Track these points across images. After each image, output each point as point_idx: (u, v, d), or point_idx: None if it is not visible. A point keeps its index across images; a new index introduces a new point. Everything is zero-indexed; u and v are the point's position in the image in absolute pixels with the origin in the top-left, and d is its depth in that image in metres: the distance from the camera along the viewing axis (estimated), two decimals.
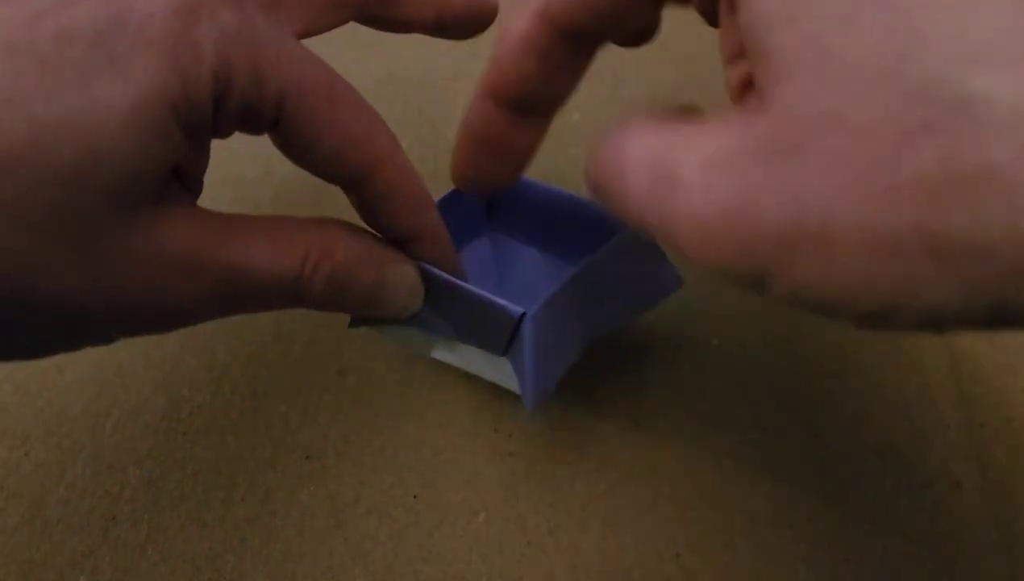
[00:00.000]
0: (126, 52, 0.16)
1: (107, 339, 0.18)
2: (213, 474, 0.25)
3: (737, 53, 0.18)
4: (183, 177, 0.18)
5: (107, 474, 0.25)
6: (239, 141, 0.21)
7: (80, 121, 0.16)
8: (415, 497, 0.25)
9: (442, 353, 0.25)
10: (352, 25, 0.23)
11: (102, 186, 0.16)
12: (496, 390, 0.27)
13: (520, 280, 0.27)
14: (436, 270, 0.22)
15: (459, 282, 0.22)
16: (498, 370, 0.24)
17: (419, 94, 0.34)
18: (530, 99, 0.19)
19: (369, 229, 0.21)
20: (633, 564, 0.24)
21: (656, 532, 0.24)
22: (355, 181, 0.20)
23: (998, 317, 0.12)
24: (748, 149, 0.13)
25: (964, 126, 0.11)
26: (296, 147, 0.19)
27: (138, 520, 0.25)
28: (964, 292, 0.12)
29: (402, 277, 0.21)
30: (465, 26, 0.24)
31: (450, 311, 0.23)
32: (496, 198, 0.25)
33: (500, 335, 0.22)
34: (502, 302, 0.21)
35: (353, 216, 0.21)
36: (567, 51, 0.18)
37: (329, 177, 0.20)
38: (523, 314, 0.21)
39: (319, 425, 0.26)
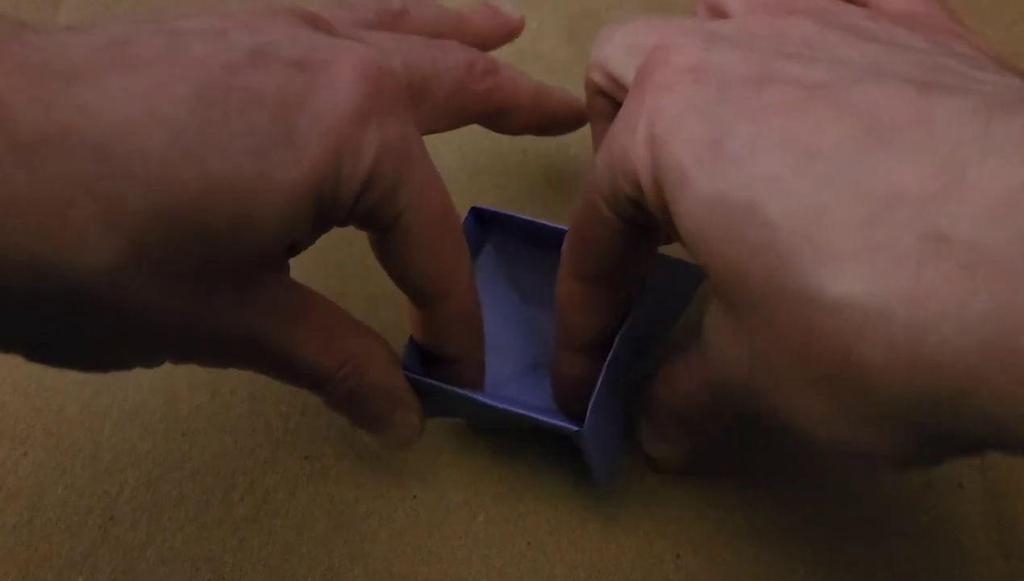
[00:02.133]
0: (304, 133, 0.17)
1: (159, 364, 0.19)
2: (212, 474, 0.25)
3: None
4: (291, 249, 0.19)
5: (106, 474, 0.25)
6: None
7: (248, 188, 0.16)
8: (415, 498, 0.25)
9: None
10: None
11: (246, 251, 0.17)
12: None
13: (532, 285, 0.27)
14: (486, 398, 0.22)
15: (515, 409, 0.22)
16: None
17: None
18: (596, 340, 0.22)
19: (397, 357, 0.22)
20: (633, 564, 0.24)
21: (656, 533, 0.24)
22: (429, 300, 0.21)
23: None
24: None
25: (836, 323, 0.13)
26: (394, 256, 0.20)
27: (137, 520, 0.25)
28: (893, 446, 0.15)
29: (406, 425, 0.22)
30: (562, 131, 0.27)
31: (496, 420, 0.24)
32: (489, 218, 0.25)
33: (557, 435, 0.23)
34: (558, 423, 0.22)
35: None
36: (604, 294, 0.22)
37: (407, 288, 0.21)
38: (578, 430, 0.22)
39: (319, 426, 0.26)
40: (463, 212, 0.24)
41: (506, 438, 0.26)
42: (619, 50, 0.21)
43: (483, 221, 0.25)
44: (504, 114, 0.25)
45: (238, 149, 0.16)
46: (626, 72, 0.21)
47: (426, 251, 0.20)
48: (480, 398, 0.22)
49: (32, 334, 0.16)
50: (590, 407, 0.22)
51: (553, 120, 0.26)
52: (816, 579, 0.24)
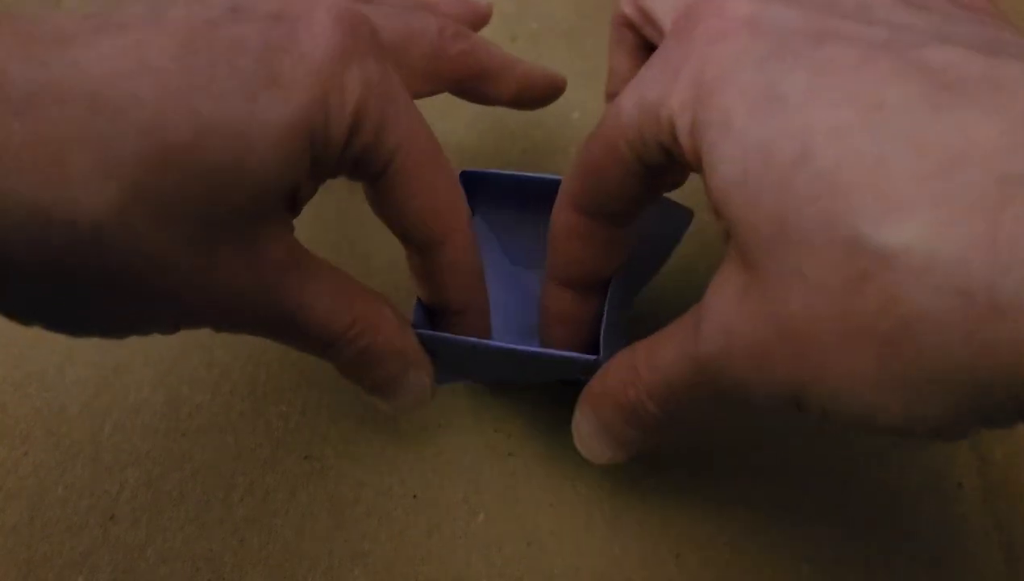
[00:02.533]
0: (289, 73, 0.17)
1: (174, 329, 0.19)
2: (213, 474, 0.25)
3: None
4: (292, 202, 0.19)
5: (106, 474, 0.25)
6: None
7: (240, 130, 0.16)
8: (415, 497, 0.25)
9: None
10: None
11: (244, 194, 0.17)
12: (496, 390, 0.27)
13: (522, 248, 0.27)
14: (499, 343, 0.22)
15: (529, 348, 0.22)
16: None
17: None
18: (587, 278, 0.22)
19: (406, 318, 0.22)
20: (634, 564, 0.24)
21: (657, 532, 0.24)
22: (428, 246, 0.21)
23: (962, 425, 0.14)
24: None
25: (892, 275, 0.13)
26: (388, 202, 0.20)
27: (137, 520, 0.25)
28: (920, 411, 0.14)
29: (419, 386, 0.22)
30: (539, 101, 0.27)
31: (508, 369, 0.24)
32: (475, 183, 0.25)
33: (571, 372, 0.23)
34: (576, 355, 0.22)
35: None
36: (603, 229, 0.21)
37: (406, 236, 0.21)
38: (596, 358, 0.21)
39: (319, 425, 0.26)
40: None
41: (505, 436, 0.26)
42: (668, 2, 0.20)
43: (471, 186, 0.25)
44: (479, 80, 0.25)
45: (226, 91, 0.16)
46: (663, 10, 0.20)
47: (420, 193, 0.20)
48: (493, 344, 0.22)
49: (46, 293, 0.16)
50: (602, 335, 0.22)
51: (529, 89, 0.26)
52: (816, 579, 0.24)
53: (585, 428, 0.22)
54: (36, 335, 0.28)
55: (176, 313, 0.18)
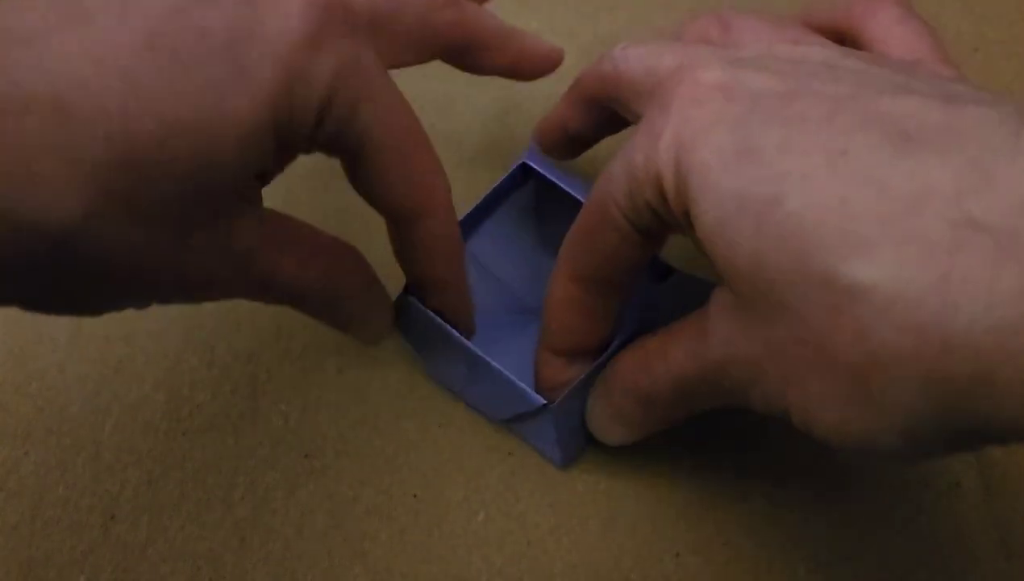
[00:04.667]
0: (255, 64, 0.17)
1: (146, 305, 0.19)
2: (213, 473, 0.25)
3: None
4: (260, 179, 0.20)
5: (107, 473, 0.25)
6: None
7: (206, 127, 0.16)
8: (415, 496, 0.25)
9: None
10: None
11: (209, 189, 0.17)
12: None
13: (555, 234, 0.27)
14: (469, 344, 0.23)
15: (483, 356, 0.23)
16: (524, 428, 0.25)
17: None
18: (580, 347, 0.23)
19: (368, 264, 0.23)
20: (633, 564, 0.24)
21: (656, 531, 0.24)
22: (406, 220, 0.21)
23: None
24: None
25: (860, 310, 0.14)
26: (366, 178, 0.21)
27: (138, 519, 0.25)
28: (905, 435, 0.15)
29: (380, 325, 0.23)
30: (536, 74, 0.26)
31: (461, 369, 0.25)
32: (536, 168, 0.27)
33: (508, 409, 0.24)
34: (523, 387, 0.23)
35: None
36: (598, 301, 0.22)
37: (385, 210, 0.22)
38: (545, 405, 0.23)
39: (319, 424, 0.26)
40: (461, 208, 0.24)
41: (505, 436, 0.26)
42: (637, 67, 0.21)
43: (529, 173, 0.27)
44: (470, 51, 0.25)
45: (191, 90, 0.16)
46: (639, 90, 0.21)
47: (398, 170, 0.20)
48: (460, 340, 0.23)
49: (24, 287, 0.17)
50: (569, 388, 0.23)
51: (523, 61, 0.26)
52: (816, 579, 0.24)
53: (599, 411, 0.23)
54: (37, 335, 0.28)
55: (149, 294, 0.19)
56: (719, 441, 0.26)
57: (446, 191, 0.22)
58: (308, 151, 0.20)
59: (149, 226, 0.17)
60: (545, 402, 0.22)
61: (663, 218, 0.19)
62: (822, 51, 0.19)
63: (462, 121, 0.33)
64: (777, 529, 0.24)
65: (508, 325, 0.27)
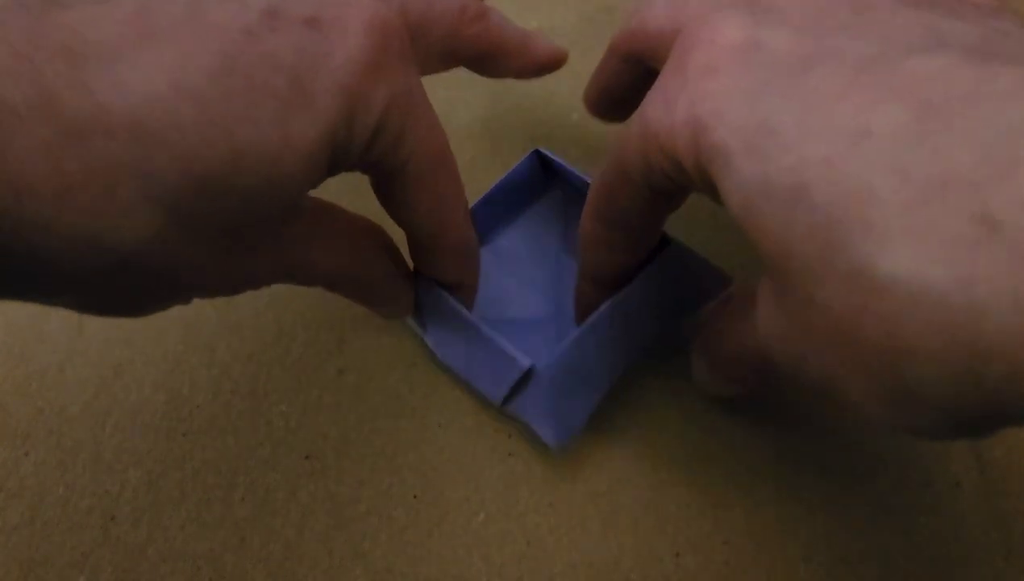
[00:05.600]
0: (320, 91, 0.17)
1: (188, 301, 0.20)
2: (213, 474, 0.25)
3: None
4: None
5: (107, 474, 0.25)
6: None
7: (273, 152, 0.17)
8: (415, 497, 0.25)
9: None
10: None
11: (273, 206, 0.18)
12: None
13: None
14: (465, 311, 0.24)
15: (476, 322, 0.24)
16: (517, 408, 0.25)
17: None
18: (609, 277, 0.24)
19: (395, 245, 0.24)
20: (633, 564, 0.24)
21: (656, 532, 0.24)
22: (431, 235, 0.22)
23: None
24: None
25: (886, 306, 0.14)
26: (397, 199, 0.21)
27: (138, 520, 0.25)
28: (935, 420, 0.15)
29: (407, 301, 0.25)
30: (544, 71, 0.27)
31: (462, 347, 0.25)
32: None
33: (504, 381, 0.24)
34: (512, 351, 0.23)
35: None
36: (622, 239, 0.23)
37: (408, 227, 0.22)
38: (533, 366, 0.23)
39: (319, 425, 0.26)
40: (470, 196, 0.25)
41: (505, 436, 0.26)
42: (662, 16, 0.21)
43: (547, 165, 0.28)
44: (491, 59, 0.26)
45: (261, 115, 0.16)
46: (666, 41, 0.21)
47: (428, 193, 0.21)
48: (454, 302, 0.24)
49: (87, 296, 0.17)
50: (559, 350, 0.23)
51: (535, 63, 0.27)
52: (815, 578, 0.24)
53: (700, 366, 0.24)
54: (37, 335, 0.28)
55: (195, 295, 0.19)
56: (719, 441, 0.26)
57: (467, 205, 0.23)
58: (351, 170, 0.20)
59: (211, 244, 0.17)
60: (531, 363, 0.23)
61: (680, 184, 0.19)
62: None
63: (462, 120, 0.33)
64: (777, 529, 0.24)
65: (525, 326, 0.27)
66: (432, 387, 0.27)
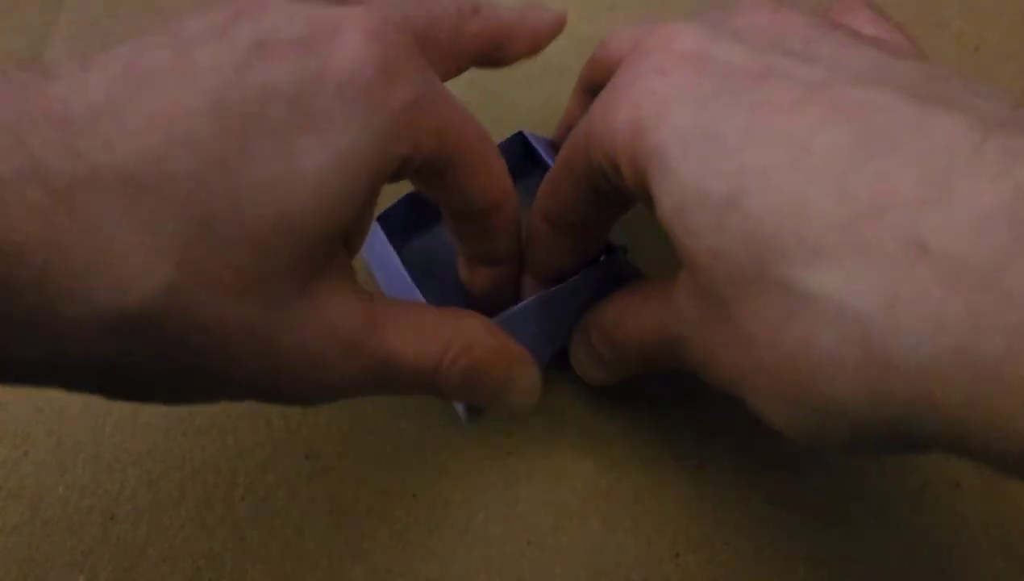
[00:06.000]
0: (325, 111, 0.16)
1: (243, 396, 0.18)
2: (213, 473, 0.25)
3: None
4: (348, 239, 0.19)
5: (107, 473, 0.25)
6: None
7: (279, 185, 0.16)
8: (415, 496, 0.25)
9: None
10: None
11: (290, 252, 0.16)
12: None
13: None
14: (404, 270, 0.24)
15: (408, 280, 0.24)
16: None
17: None
18: (552, 276, 0.24)
19: (498, 329, 0.22)
20: (633, 564, 0.24)
21: (656, 531, 0.24)
22: (483, 214, 0.21)
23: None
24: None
25: (808, 318, 0.14)
26: (447, 190, 0.20)
27: (138, 519, 0.25)
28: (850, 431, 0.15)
29: (527, 376, 0.22)
30: (547, 42, 0.26)
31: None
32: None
33: None
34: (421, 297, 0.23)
35: None
36: (566, 239, 0.22)
37: (456, 212, 0.21)
38: None
39: (319, 425, 0.26)
40: None
41: (505, 436, 0.26)
42: (626, 43, 0.22)
43: (528, 146, 0.27)
44: (498, 48, 0.24)
45: (262, 149, 0.16)
46: (623, 49, 0.21)
47: (477, 179, 0.20)
48: (404, 271, 0.24)
49: (108, 374, 0.16)
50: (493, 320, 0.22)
51: (538, 38, 0.26)
52: (815, 579, 0.24)
53: (581, 352, 0.24)
54: None
55: (246, 383, 0.17)
56: (719, 441, 0.26)
57: (510, 183, 0.22)
58: (397, 180, 0.19)
59: (236, 298, 0.16)
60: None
61: (616, 185, 0.19)
62: (805, 21, 0.18)
63: None
64: (777, 529, 0.24)
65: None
66: None
